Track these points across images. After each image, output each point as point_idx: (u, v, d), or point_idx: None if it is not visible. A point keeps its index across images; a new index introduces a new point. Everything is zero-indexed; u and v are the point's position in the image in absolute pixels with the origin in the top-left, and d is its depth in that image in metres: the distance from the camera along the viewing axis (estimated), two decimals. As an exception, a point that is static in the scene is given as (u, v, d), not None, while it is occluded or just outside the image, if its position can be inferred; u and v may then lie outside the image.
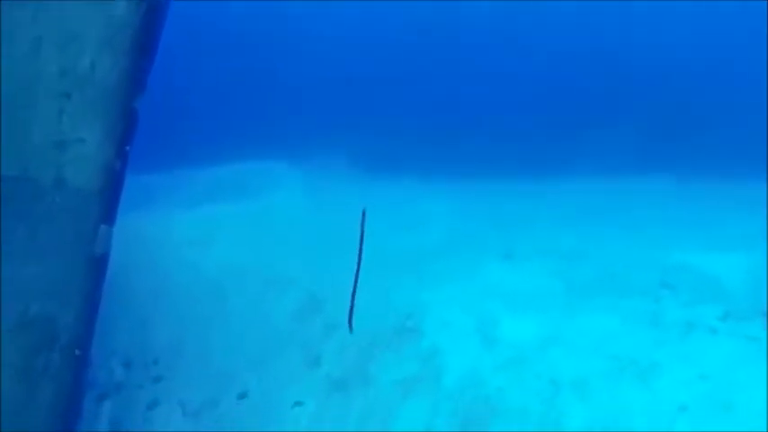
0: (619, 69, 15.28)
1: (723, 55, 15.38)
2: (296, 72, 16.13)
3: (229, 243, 7.43)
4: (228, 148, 10.66)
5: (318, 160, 10.32)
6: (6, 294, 4.04)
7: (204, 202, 8.50)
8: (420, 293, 6.30)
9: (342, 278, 6.38)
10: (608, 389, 5.00)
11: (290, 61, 16.41)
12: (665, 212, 8.71)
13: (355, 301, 5.89)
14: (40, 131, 4.07)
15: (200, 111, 13.79)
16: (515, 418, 4.95)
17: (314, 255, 7.06)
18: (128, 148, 4.31)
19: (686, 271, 6.60)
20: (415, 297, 6.24)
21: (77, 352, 4.25)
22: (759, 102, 12.58)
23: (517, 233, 7.94)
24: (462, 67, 16.50)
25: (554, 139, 12.18)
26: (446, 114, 14.24)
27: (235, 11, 17.79)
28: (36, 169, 4.10)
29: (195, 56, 15.26)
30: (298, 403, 5.45)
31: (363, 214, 3.62)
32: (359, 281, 3.75)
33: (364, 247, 3.78)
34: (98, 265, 4.36)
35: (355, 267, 5.85)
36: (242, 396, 5.62)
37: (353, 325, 3.85)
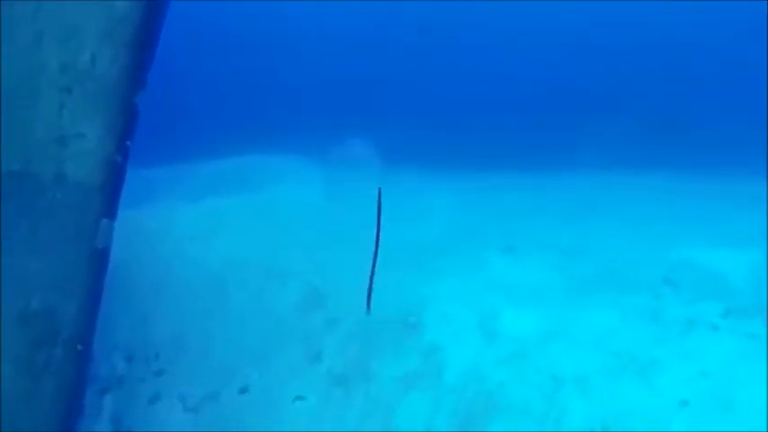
0: (621, 63, 15.26)
1: (726, 48, 15.34)
2: (298, 66, 16.13)
3: (231, 237, 7.42)
4: (230, 142, 10.65)
5: (320, 154, 10.31)
6: (8, 289, 4.05)
7: (206, 196, 8.49)
8: (421, 288, 6.30)
9: (344, 272, 6.41)
10: (609, 385, 4.99)
11: (292, 56, 16.41)
12: (667, 208, 8.71)
13: (360, 291, 5.94)
14: (41, 126, 4.08)
15: (201, 104, 13.79)
16: (516, 413, 4.95)
17: (316, 249, 7.05)
18: (129, 142, 4.31)
19: (688, 267, 6.60)
20: (416, 291, 6.23)
21: (79, 346, 4.26)
22: (764, 96, 12.57)
23: (519, 227, 7.94)
24: (464, 62, 16.50)
25: (556, 133, 12.18)
26: (448, 109, 14.24)
27: (236, 7, 17.78)
28: (37, 164, 4.10)
29: (197, 50, 15.25)
30: (299, 398, 5.46)
31: (379, 193, 3.67)
32: (376, 266, 3.81)
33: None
34: (99, 260, 4.36)
35: (353, 259, 5.89)
36: (243, 390, 5.63)
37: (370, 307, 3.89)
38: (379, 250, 3.82)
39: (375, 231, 3.76)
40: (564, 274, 6.59)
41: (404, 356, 5.59)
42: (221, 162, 10.35)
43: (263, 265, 6.84)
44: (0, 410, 4.01)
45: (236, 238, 7.38)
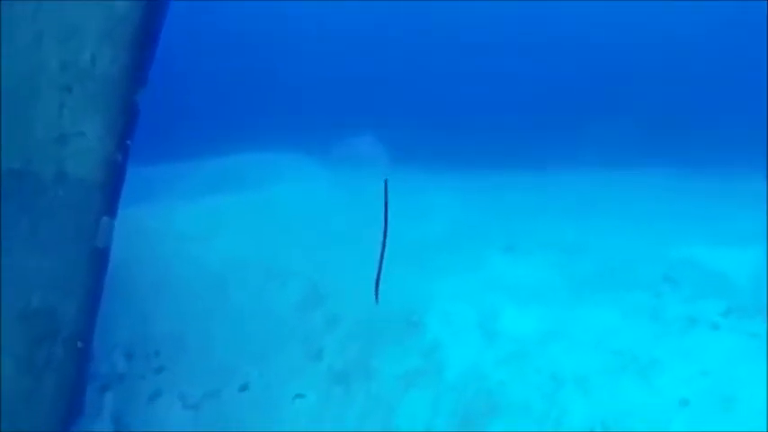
0: (622, 62, 15.25)
1: (726, 48, 15.33)
2: (298, 64, 16.12)
3: (231, 235, 7.42)
4: (230, 140, 10.64)
5: (321, 152, 10.31)
6: (9, 287, 4.05)
7: (206, 194, 8.48)
8: (422, 286, 6.30)
9: (344, 270, 6.40)
10: (609, 384, 4.99)
11: (292, 54, 16.40)
12: (668, 206, 8.70)
13: (360, 290, 5.92)
14: (41, 126, 4.08)
15: (201, 103, 13.79)
16: (517, 412, 4.95)
17: (316, 247, 7.05)
18: (129, 141, 4.31)
19: (688, 265, 6.59)
20: (417, 290, 6.23)
21: (79, 344, 4.26)
22: (764, 95, 12.55)
23: (520, 226, 7.93)
24: (465, 62, 16.49)
25: (557, 131, 12.17)
26: (449, 107, 14.24)
27: (236, 6, 17.79)
28: (38, 163, 4.10)
29: (198, 49, 15.25)
30: (299, 396, 5.46)
31: (386, 185, 3.70)
32: (383, 260, 3.81)
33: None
34: (100, 258, 4.37)
35: (353, 258, 5.88)
36: (243, 388, 5.63)
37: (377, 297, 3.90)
38: (386, 241, 3.83)
39: (383, 222, 3.78)
40: (564, 273, 6.58)
41: (404, 355, 5.59)
42: (221, 160, 10.34)
43: (263, 263, 6.84)
44: (0, 408, 4.02)
45: (236, 237, 7.37)
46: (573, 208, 8.85)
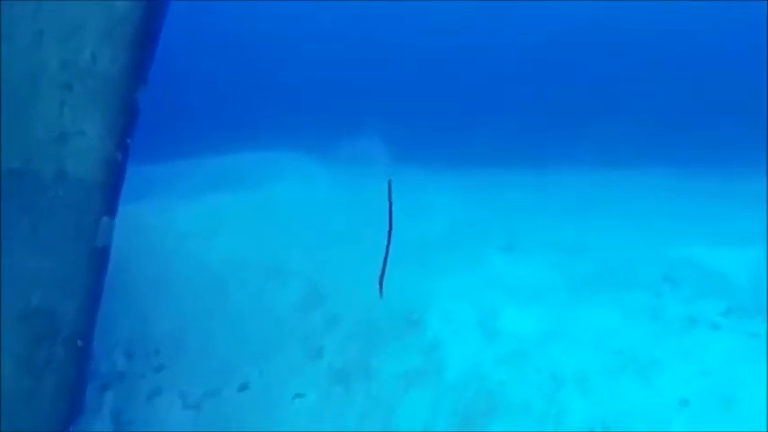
0: (622, 62, 15.25)
1: (727, 47, 15.32)
2: (299, 64, 16.12)
3: (231, 234, 7.41)
4: (230, 139, 10.64)
5: (321, 151, 10.30)
6: (9, 287, 4.05)
7: (206, 193, 8.47)
8: (422, 285, 6.30)
9: (345, 270, 6.41)
10: (609, 384, 4.99)
11: (292, 54, 16.40)
12: (668, 206, 8.70)
13: (361, 289, 5.92)
14: (41, 125, 4.07)
15: (202, 102, 13.79)
16: (516, 412, 4.95)
17: (316, 246, 7.05)
18: (129, 140, 4.30)
19: (689, 265, 6.59)
20: (417, 289, 6.23)
21: (80, 343, 4.26)
22: (764, 95, 12.55)
23: (519, 225, 7.94)
24: (465, 60, 16.48)
25: (558, 131, 12.17)
26: (450, 106, 14.23)
27: (236, 5, 17.78)
28: (38, 162, 4.09)
29: (198, 48, 15.25)
30: (298, 395, 5.46)
31: (389, 185, 3.74)
32: (388, 254, 3.83)
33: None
34: (100, 258, 4.36)
35: (353, 257, 5.88)
36: (242, 388, 5.63)
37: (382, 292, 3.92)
38: (390, 240, 3.86)
39: (387, 220, 3.81)
40: (565, 273, 6.59)
41: (404, 354, 5.59)
42: (222, 159, 10.33)
43: (263, 262, 6.84)
44: (0, 408, 4.02)
45: (236, 236, 7.37)
46: (573, 207, 8.85)
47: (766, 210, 7.54)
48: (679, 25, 16.25)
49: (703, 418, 4.62)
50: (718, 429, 4.53)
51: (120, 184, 4.41)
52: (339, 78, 14.93)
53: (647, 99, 12.92)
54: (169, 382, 5.74)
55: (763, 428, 4.44)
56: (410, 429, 5.07)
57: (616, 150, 10.37)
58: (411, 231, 7.29)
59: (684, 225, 7.80)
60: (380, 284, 3.95)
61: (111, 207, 4.34)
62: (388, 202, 3.86)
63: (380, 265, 3.85)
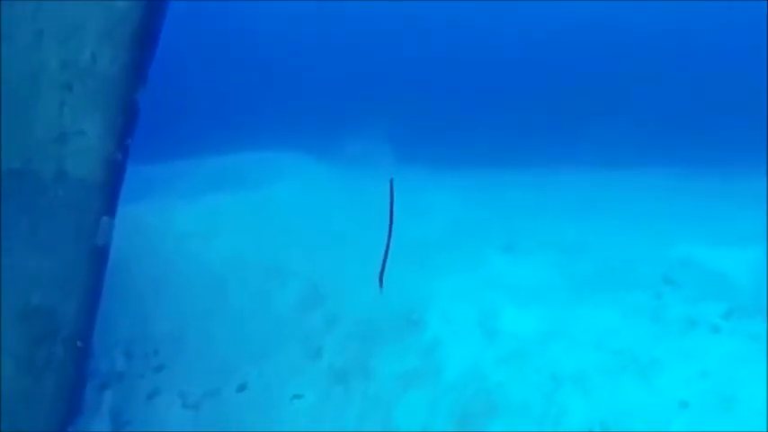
0: (622, 61, 15.24)
1: (727, 47, 15.32)
2: (299, 62, 16.11)
3: (231, 234, 7.41)
4: (230, 139, 10.63)
5: (321, 151, 10.29)
6: (9, 286, 4.05)
7: (206, 193, 8.46)
8: (422, 285, 6.30)
9: (344, 270, 6.40)
10: (608, 385, 4.99)
11: (293, 54, 16.39)
12: (668, 206, 8.69)
13: (360, 289, 5.93)
14: (41, 125, 4.07)
15: (201, 101, 13.78)
16: (516, 412, 4.95)
17: (316, 246, 7.04)
18: (129, 140, 4.30)
19: (689, 265, 6.58)
20: (417, 289, 6.23)
21: (79, 343, 4.26)
22: (764, 95, 12.54)
23: (520, 225, 7.93)
24: (465, 60, 16.48)
25: (558, 130, 12.15)
26: (450, 106, 14.22)
27: (236, 5, 17.77)
28: (38, 162, 4.09)
29: (198, 48, 15.24)
30: (296, 396, 5.46)
31: (391, 183, 3.78)
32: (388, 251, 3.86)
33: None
34: (99, 257, 4.36)
35: (353, 257, 5.88)
36: (241, 388, 5.63)
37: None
38: (391, 236, 3.89)
39: (388, 218, 3.84)
40: (564, 273, 6.58)
41: (403, 354, 5.59)
42: (222, 159, 10.33)
43: (263, 261, 6.84)
44: (0, 408, 4.02)
45: (235, 236, 7.36)
46: (573, 207, 8.84)
47: (766, 210, 7.52)
48: (678, 25, 16.24)
49: (703, 419, 4.62)
50: (718, 430, 4.53)
51: (120, 183, 4.41)
52: (339, 78, 14.92)
53: (647, 99, 12.91)
54: (168, 382, 5.74)
55: (764, 430, 4.44)
56: (409, 429, 5.07)
57: (616, 150, 10.35)
58: (411, 231, 7.28)
59: (684, 225, 7.78)
60: (380, 279, 3.96)
61: (110, 207, 4.34)
62: (389, 200, 3.88)
63: (380, 263, 3.87)
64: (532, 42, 16.93)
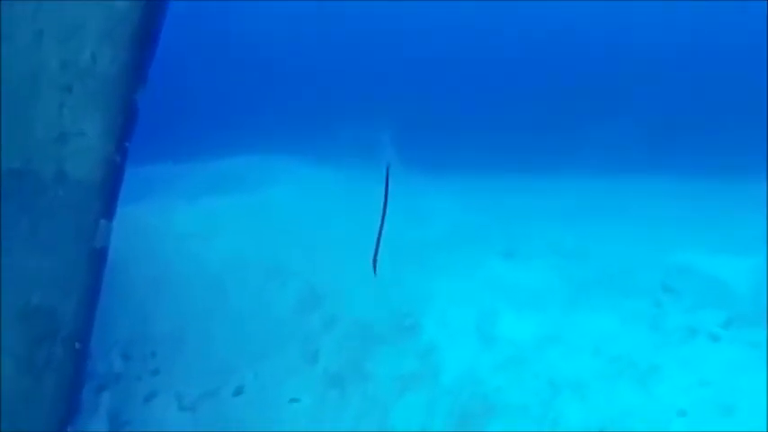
0: (622, 66, 15.24)
1: (727, 51, 15.32)
2: (297, 66, 16.12)
3: (230, 236, 7.41)
4: (229, 141, 10.65)
5: (320, 153, 10.30)
6: (9, 286, 4.05)
7: (205, 195, 8.47)
8: (421, 288, 6.30)
9: (342, 272, 6.41)
10: (606, 391, 4.98)
11: (292, 57, 16.40)
12: (668, 212, 8.67)
13: (358, 292, 5.94)
14: (41, 125, 4.07)
15: (201, 104, 13.80)
16: (513, 417, 4.94)
17: (314, 249, 7.05)
18: (128, 141, 4.30)
19: (688, 272, 6.57)
20: (415, 292, 6.23)
21: (77, 345, 4.26)
22: (764, 100, 12.54)
23: (519, 230, 7.92)
24: (465, 64, 16.49)
25: (557, 135, 12.14)
26: (450, 109, 14.23)
27: (237, 7, 17.80)
28: (38, 162, 4.10)
29: (196, 50, 15.26)
30: (293, 400, 5.45)
31: (387, 169, 3.82)
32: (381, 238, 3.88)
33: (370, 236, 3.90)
34: (98, 258, 4.36)
35: (350, 260, 5.89)
36: (239, 389, 5.62)
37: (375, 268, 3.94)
38: (384, 221, 3.91)
39: (383, 205, 3.87)
40: (563, 278, 6.57)
41: (401, 358, 5.59)
42: (221, 162, 10.34)
43: (261, 263, 6.84)
44: (0, 408, 4.02)
45: (235, 237, 7.36)
46: (573, 213, 8.83)
47: (767, 217, 7.52)
48: (679, 30, 16.25)
49: (701, 427, 4.61)
50: (717, 437, 4.53)
51: (119, 185, 4.41)
52: (338, 82, 14.93)
53: (646, 105, 12.90)
54: (166, 384, 5.74)
55: (762, 437, 4.43)
56: (406, 432, 5.07)
57: (617, 156, 10.34)
58: (411, 234, 7.32)
59: (684, 232, 7.77)
60: (374, 263, 3.97)
61: (109, 208, 4.34)
62: (384, 184, 3.90)
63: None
64: (533, 47, 16.95)
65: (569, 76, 15.29)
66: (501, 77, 15.59)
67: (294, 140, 10.57)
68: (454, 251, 7.20)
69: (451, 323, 5.88)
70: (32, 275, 4.09)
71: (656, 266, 6.73)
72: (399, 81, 14.97)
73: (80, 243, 4.22)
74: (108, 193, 4.30)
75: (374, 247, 3.93)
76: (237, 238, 7.36)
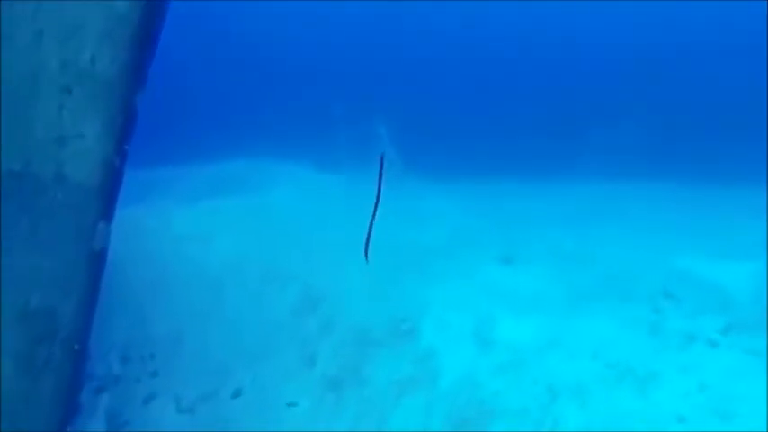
0: (622, 73, 15.26)
1: (728, 58, 15.34)
2: (296, 70, 16.16)
3: (228, 238, 7.42)
4: (228, 145, 10.69)
5: (319, 157, 10.32)
6: (9, 286, 4.05)
7: (204, 198, 8.49)
8: (419, 294, 6.29)
9: (339, 276, 6.41)
10: (605, 397, 4.97)
11: (289, 59, 16.44)
12: (668, 218, 8.68)
13: (355, 296, 5.93)
14: (41, 126, 4.07)
15: (200, 107, 13.83)
16: (511, 422, 4.92)
17: (312, 252, 7.05)
18: (127, 143, 4.31)
19: (688, 278, 6.56)
20: (413, 296, 6.23)
21: (76, 346, 4.26)
22: (764, 107, 12.55)
23: (518, 234, 7.92)
24: (465, 68, 16.51)
25: (558, 141, 12.16)
26: (450, 114, 14.25)
27: (238, 8, 17.83)
28: (37, 164, 4.10)
29: (196, 55, 15.30)
30: (291, 404, 5.44)
31: (381, 159, 3.83)
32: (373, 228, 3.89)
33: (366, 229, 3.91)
34: (97, 259, 4.37)
35: (348, 263, 5.89)
36: (237, 392, 5.61)
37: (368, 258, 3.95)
38: (377, 209, 3.93)
39: (380, 202, 3.89)
40: (563, 283, 6.57)
41: (398, 362, 5.57)
42: (220, 165, 10.37)
43: (259, 266, 6.84)
44: (0, 408, 4.02)
45: (233, 240, 7.37)
46: (573, 218, 8.84)
47: (767, 224, 7.51)
48: (680, 37, 16.28)
49: (699, 433, 4.61)
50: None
51: (118, 187, 4.41)
52: (337, 86, 14.96)
53: (647, 110, 12.92)
54: (164, 385, 5.73)
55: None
56: (403, 436, 5.05)
57: (616, 162, 10.36)
58: (409, 239, 7.32)
59: (684, 237, 7.78)
60: (366, 251, 3.97)
61: (108, 210, 4.35)
62: (378, 178, 3.91)
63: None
64: (534, 52, 16.98)
65: (570, 82, 15.32)
66: (501, 82, 15.62)
67: (293, 144, 10.59)
68: (453, 255, 7.20)
69: (449, 328, 5.87)
70: (32, 277, 4.09)
71: (656, 272, 6.73)
72: (400, 86, 15.01)
73: (79, 245, 4.22)
74: (107, 195, 4.30)
75: (365, 239, 3.94)
76: (236, 240, 7.37)
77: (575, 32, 17.24)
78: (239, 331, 6.11)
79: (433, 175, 10.19)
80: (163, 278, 6.65)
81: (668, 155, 11.02)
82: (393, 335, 5.81)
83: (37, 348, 4.08)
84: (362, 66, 16.18)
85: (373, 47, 17.21)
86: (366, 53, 16.84)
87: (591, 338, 5.60)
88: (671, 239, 7.71)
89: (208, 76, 15.32)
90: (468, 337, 5.76)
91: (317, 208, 8.36)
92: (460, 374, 5.37)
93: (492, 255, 7.29)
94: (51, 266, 4.14)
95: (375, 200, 3.89)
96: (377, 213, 3.89)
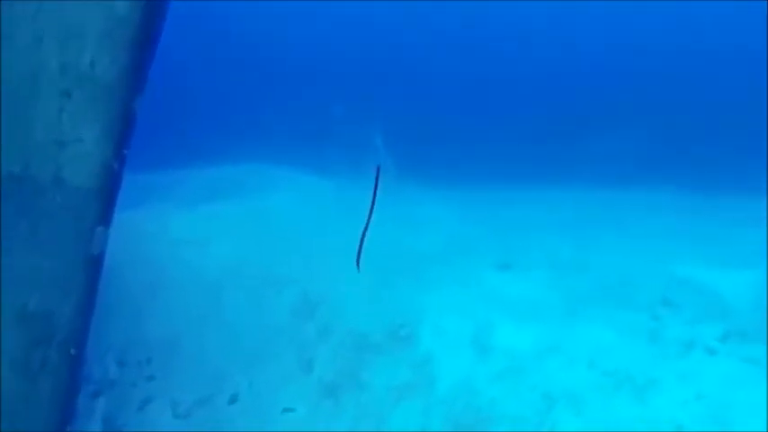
0: (621, 80, 15.30)
1: (727, 65, 15.39)
2: (295, 75, 16.18)
3: (226, 242, 7.42)
4: (227, 149, 10.69)
5: (317, 162, 10.33)
6: (8, 287, 4.04)
7: (202, 202, 8.49)
8: (416, 300, 6.28)
9: (337, 281, 6.40)
10: (603, 404, 4.96)
11: (289, 63, 16.47)
12: (667, 225, 8.69)
13: (353, 301, 5.93)
14: (40, 129, 4.07)
15: (199, 111, 13.84)
16: (508, 429, 4.91)
17: (310, 256, 7.05)
18: (126, 148, 4.30)
19: (687, 286, 6.57)
20: (411, 303, 6.22)
21: (73, 350, 4.25)
22: (764, 114, 12.59)
23: (516, 241, 7.93)
24: (465, 75, 16.55)
25: (556, 148, 12.18)
26: (447, 121, 14.27)
27: (239, 10, 17.87)
28: (36, 167, 4.10)
29: (196, 59, 15.32)
30: (287, 409, 5.42)
31: (378, 170, 3.86)
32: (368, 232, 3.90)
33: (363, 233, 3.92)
34: (95, 263, 4.36)
35: (346, 268, 5.88)
36: (233, 399, 5.60)
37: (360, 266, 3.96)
38: (371, 217, 3.94)
39: (374, 206, 3.91)
40: (560, 290, 6.57)
41: (395, 368, 5.56)
42: (218, 169, 10.38)
43: (257, 271, 6.83)
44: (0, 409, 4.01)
45: (231, 244, 7.37)
46: (571, 225, 8.84)
47: (766, 232, 7.52)
48: (679, 45, 16.33)
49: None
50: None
51: (117, 191, 4.40)
52: (337, 91, 14.99)
53: (646, 118, 12.96)
54: (161, 390, 5.72)
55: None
56: (401, 443, 5.04)
57: (615, 169, 10.38)
58: (407, 246, 7.32)
59: (683, 245, 7.78)
60: (358, 260, 3.98)
61: (106, 214, 4.34)
62: (374, 186, 3.92)
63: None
64: (532, 59, 17.02)
65: (568, 89, 15.35)
66: (498, 90, 15.65)
67: (291, 148, 10.60)
68: (451, 262, 7.20)
69: (447, 334, 5.86)
70: (29, 279, 4.09)
71: (655, 279, 6.73)
72: (397, 93, 15.03)
73: (77, 249, 4.21)
74: (105, 199, 4.29)
75: (358, 249, 3.95)
76: (234, 245, 7.36)
77: (572, 40, 17.29)
78: (236, 336, 6.09)
79: (430, 181, 10.21)
80: (160, 282, 6.63)
81: (667, 162, 11.03)
82: (391, 340, 5.80)
83: (33, 352, 4.07)
84: (360, 70, 16.22)
85: (372, 54, 17.26)
86: (364, 57, 16.88)
87: (589, 345, 5.59)
88: (670, 247, 7.72)
89: (206, 79, 15.34)
90: (465, 343, 5.75)
91: (315, 213, 8.36)
92: (458, 380, 5.36)
93: (490, 261, 7.30)
94: (49, 269, 4.13)
95: (369, 212, 3.91)
96: (371, 223, 3.90)
